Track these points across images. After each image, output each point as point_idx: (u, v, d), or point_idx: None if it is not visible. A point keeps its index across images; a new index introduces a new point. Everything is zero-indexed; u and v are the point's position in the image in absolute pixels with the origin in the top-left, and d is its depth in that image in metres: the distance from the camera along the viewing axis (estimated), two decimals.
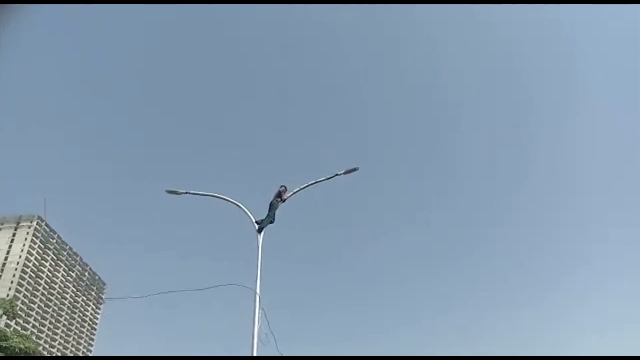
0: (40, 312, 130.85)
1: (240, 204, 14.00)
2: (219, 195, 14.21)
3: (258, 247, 13.38)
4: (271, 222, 13.73)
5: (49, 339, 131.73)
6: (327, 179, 13.78)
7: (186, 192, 14.16)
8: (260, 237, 13.51)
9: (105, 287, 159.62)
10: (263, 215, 13.79)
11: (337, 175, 13.69)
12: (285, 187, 13.92)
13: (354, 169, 13.60)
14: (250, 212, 13.89)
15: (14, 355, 41.57)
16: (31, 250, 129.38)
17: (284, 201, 13.83)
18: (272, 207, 13.73)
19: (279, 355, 11.78)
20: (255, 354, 11.28)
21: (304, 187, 13.88)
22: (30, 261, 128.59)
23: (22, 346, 42.31)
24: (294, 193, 13.92)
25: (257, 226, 13.57)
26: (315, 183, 13.80)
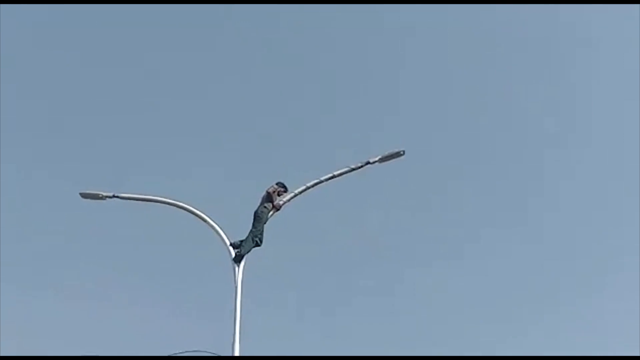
0: None
1: (206, 216, 8.45)
2: (169, 201, 8.63)
3: (236, 284, 7.86)
4: (257, 245, 8.22)
5: None
6: (352, 170, 8.34)
7: (114, 196, 8.58)
8: (240, 269, 7.96)
9: None
10: (243, 234, 8.22)
11: (368, 164, 8.25)
12: (284, 187, 8.41)
13: (398, 154, 8.17)
14: (223, 229, 8.33)
15: None
16: None
17: (277, 209, 8.30)
18: (259, 218, 8.21)
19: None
20: None
21: (311, 186, 8.38)
22: None
23: None
24: (295, 195, 8.41)
25: (233, 252, 8.04)
26: (332, 178, 8.32)
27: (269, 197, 8.23)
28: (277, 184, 8.38)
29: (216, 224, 8.40)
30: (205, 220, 8.42)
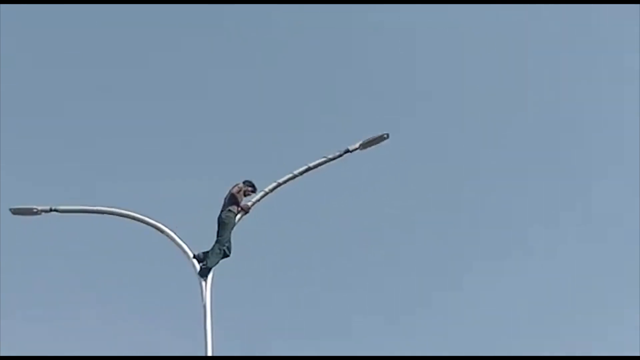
0: None
1: (162, 225, 7.24)
2: (118, 211, 7.37)
3: (204, 302, 6.75)
4: (225, 256, 7.06)
5: None
6: (329, 160, 7.21)
7: (51, 210, 7.28)
8: (207, 285, 6.83)
9: None
10: (208, 244, 7.05)
11: (348, 152, 7.14)
12: (253, 186, 7.25)
13: (381, 137, 7.07)
14: (184, 240, 7.13)
15: None
16: None
17: (246, 211, 7.13)
18: (224, 225, 7.03)
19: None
20: None
21: (284, 182, 7.22)
22: None
23: None
24: (266, 194, 7.23)
25: (197, 265, 6.90)
26: (307, 171, 7.17)
27: (233, 199, 7.05)
28: (244, 182, 7.20)
29: (176, 234, 7.21)
30: (162, 231, 7.21)
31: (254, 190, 7.23)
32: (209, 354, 6.49)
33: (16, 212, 7.23)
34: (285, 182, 7.13)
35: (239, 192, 7.06)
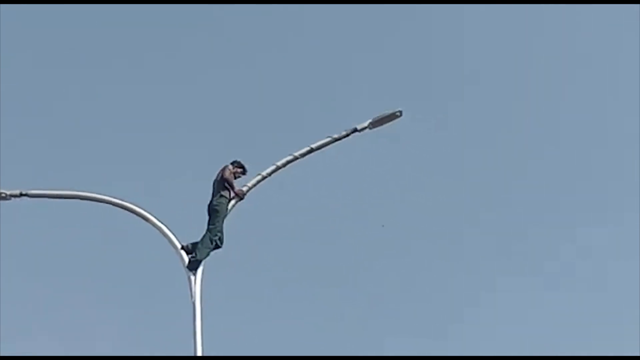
0: None
1: (146, 213, 6.50)
2: (97, 197, 6.63)
3: (193, 299, 6.06)
4: (217, 247, 6.37)
5: None
6: (334, 140, 6.50)
7: (22, 195, 6.55)
8: (197, 279, 6.13)
9: None
10: (197, 235, 6.37)
11: (356, 132, 6.42)
12: (242, 167, 6.55)
13: (393, 115, 6.35)
14: (171, 230, 6.40)
15: None
16: None
17: (240, 198, 6.41)
18: (216, 212, 6.36)
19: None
20: None
21: (283, 165, 6.50)
22: None
23: None
24: (264, 178, 6.52)
25: (186, 259, 6.20)
26: (309, 153, 6.46)
27: (222, 182, 6.35)
28: (232, 163, 6.50)
29: (162, 223, 6.49)
30: (146, 219, 6.49)
31: (244, 172, 6.58)
32: (199, 354, 5.85)
33: None
34: (284, 165, 6.43)
35: (230, 174, 6.37)
